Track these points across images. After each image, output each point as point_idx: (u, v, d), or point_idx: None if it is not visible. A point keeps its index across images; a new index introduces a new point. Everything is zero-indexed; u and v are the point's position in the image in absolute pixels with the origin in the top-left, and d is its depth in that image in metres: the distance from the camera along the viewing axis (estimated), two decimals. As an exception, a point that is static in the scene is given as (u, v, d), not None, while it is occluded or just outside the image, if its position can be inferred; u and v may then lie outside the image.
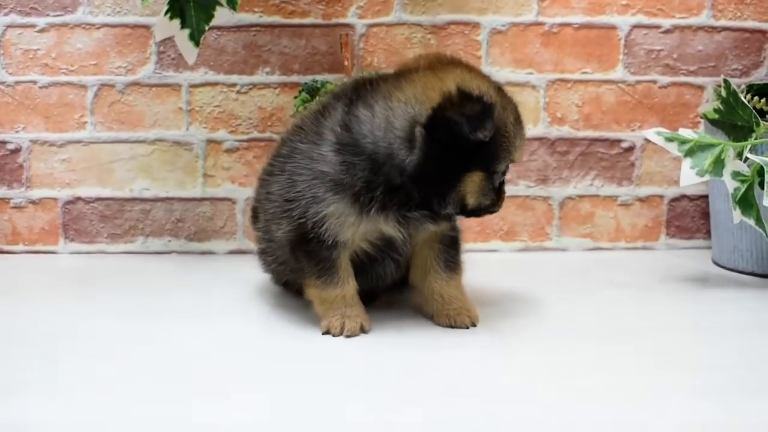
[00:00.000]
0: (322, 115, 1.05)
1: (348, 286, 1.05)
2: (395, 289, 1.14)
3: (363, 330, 1.05)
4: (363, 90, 1.02)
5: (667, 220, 1.56)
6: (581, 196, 1.54)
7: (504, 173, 1.04)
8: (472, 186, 1.00)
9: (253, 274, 1.27)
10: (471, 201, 1.01)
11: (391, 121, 0.98)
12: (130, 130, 1.49)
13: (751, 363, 0.97)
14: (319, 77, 1.43)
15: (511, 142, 1.02)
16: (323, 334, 1.05)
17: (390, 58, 1.49)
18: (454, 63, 1.04)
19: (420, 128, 0.97)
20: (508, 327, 1.09)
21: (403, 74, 1.02)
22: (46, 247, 1.50)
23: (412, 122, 0.98)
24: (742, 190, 1.19)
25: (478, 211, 1.04)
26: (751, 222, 1.20)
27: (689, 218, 1.57)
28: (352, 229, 1.02)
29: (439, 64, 1.03)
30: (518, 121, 1.04)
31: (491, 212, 1.05)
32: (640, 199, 1.56)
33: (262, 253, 1.20)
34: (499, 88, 1.03)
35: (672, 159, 1.52)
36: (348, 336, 1.03)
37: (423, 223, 1.04)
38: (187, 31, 1.28)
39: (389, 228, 1.03)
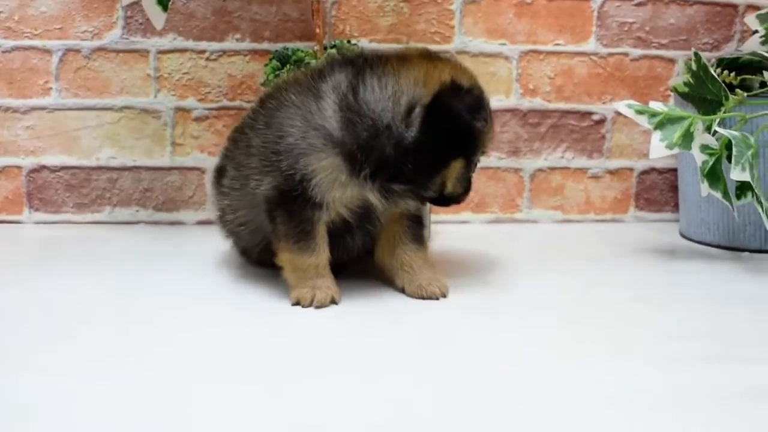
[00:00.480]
0: (319, 77, 1.05)
1: (322, 255, 1.05)
2: (361, 260, 1.14)
3: (333, 301, 1.04)
4: (372, 61, 1.05)
5: (636, 193, 1.57)
6: (552, 168, 1.55)
7: (477, 164, 1.08)
8: (454, 172, 1.04)
9: (222, 244, 1.26)
10: (449, 187, 1.05)
11: (398, 96, 1.02)
12: (96, 97, 1.46)
13: (716, 333, 0.98)
14: (290, 45, 1.40)
15: (487, 134, 1.06)
16: (293, 305, 1.04)
17: (362, 26, 1.48)
18: (444, 58, 1.08)
19: (420, 109, 1.01)
20: (479, 298, 1.09)
21: (404, 57, 1.05)
22: (10, 217, 1.47)
23: (413, 102, 1.01)
24: (710, 163, 1.20)
25: (450, 199, 1.08)
26: (719, 195, 1.21)
27: (658, 191, 1.58)
28: (341, 190, 1.02)
29: (431, 56, 1.07)
30: (491, 114, 1.08)
31: (458, 202, 1.09)
32: (610, 172, 1.56)
33: (222, 215, 1.19)
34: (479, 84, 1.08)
35: (642, 132, 1.53)
36: (318, 307, 1.03)
37: (405, 198, 1.05)
38: (154, -4, 1.25)
39: (373, 197, 1.03)
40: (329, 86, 1.03)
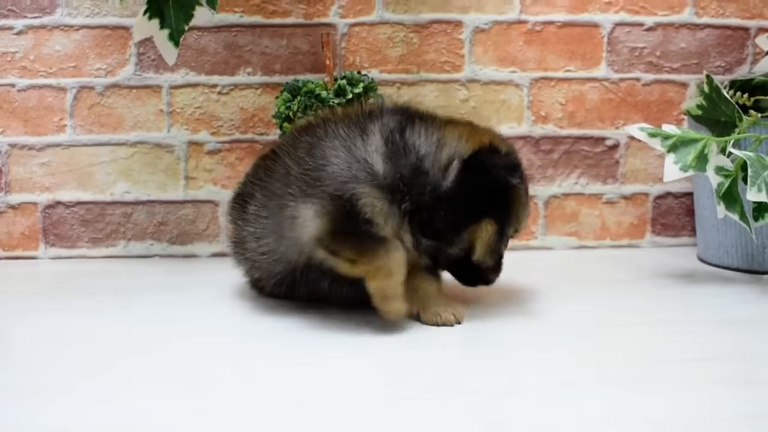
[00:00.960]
0: (369, 117, 1.08)
1: (402, 251, 1.02)
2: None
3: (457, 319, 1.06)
4: (421, 113, 1.10)
5: (653, 218, 1.56)
6: (566, 195, 1.54)
7: (507, 241, 1.10)
8: (485, 235, 1.06)
9: (236, 276, 1.25)
10: (478, 251, 1.07)
11: (441, 145, 1.06)
12: (110, 133, 1.48)
13: (737, 356, 0.96)
14: (301, 77, 1.42)
15: (523, 209, 1.10)
16: (386, 316, 1.03)
17: (372, 57, 1.49)
18: (487, 127, 1.14)
19: (458, 162, 1.04)
20: (494, 326, 1.08)
21: (451, 119, 1.11)
22: (26, 253, 1.48)
23: (453, 154, 1.05)
24: (726, 185, 1.19)
25: (477, 270, 1.08)
26: (736, 217, 1.19)
27: (674, 215, 1.56)
28: (383, 218, 1.02)
29: (474, 124, 1.12)
30: (528, 194, 1.13)
31: (486, 280, 1.10)
32: (625, 197, 1.55)
33: (240, 243, 1.17)
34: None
35: (656, 156, 1.52)
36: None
37: (427, 254, 1.06)
38: (166, 32, 1.27)
39: (407, 239, 1.05)
40: (377, 127, 1.06)
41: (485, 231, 1.06)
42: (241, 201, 1.17)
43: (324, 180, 1.03)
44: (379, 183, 1.02)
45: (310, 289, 1.10)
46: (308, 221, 1.03)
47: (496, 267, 1.10)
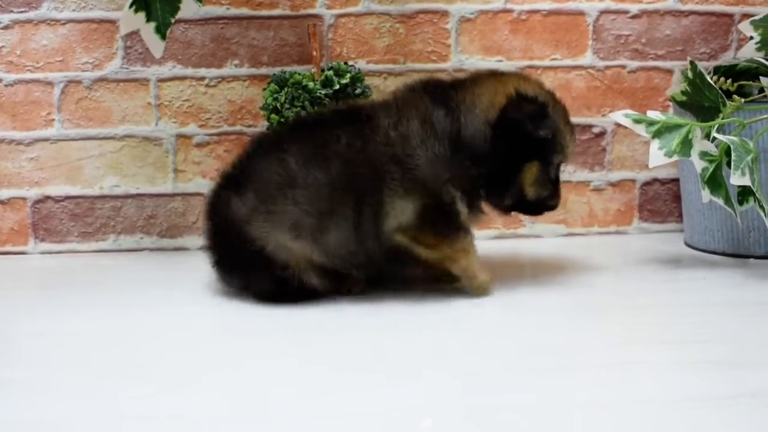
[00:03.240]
0: (432, 108, 1.12)
1: (472, 232, 1.14)
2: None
3: None
4: (460, 96, 1.13)
5: (640, 204, 1.57)
6: (554, 183, 1.54)
7: (558, 166, 1.16)
8: (530, 176, 1.13)
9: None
10: (530, 192, 1.14)
11: (477, 120, 1.11)
12: (98, 127, 1.48)
13: (722, 338, 0.98)
14: (288, 69, 1.42)
15: (563, 136, 1.15)
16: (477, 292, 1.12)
17: (359, 48, 1.49)
18: (511, 72, 1.20)
19: (488, 129, 1.11)
20: (483, 311, 1.09)
21: (476, 81, 1.15)
22: (15, 248, 1.48)
23: (486, 122, 1.11)
24: (711, 169, 1.20)
25: (537, 205, 1.16)
26: (720, 201, 1.20)
27: (661, 202, 1.57)
28: (465, 204, 1.11)
29: (497, 74, 1.18)
30: (567, 120, 1.17)
31: (550, 207, 1.17)
32: (612, 184, 1.56)
33: (268, 219, 1.12)
34: (549, 92, 1.17)
35: (643, 143, 1.53)
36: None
37: (486, 209, 1.17)
38: (152, 25, 1.27)
39: (463, 208, 1.12)
40: (441, 116, 1.11)
41: (530, 172, 1.12)
42: (240, 186, 1.13)
43: (425, 181, 1.08)
44: (459, 178, 1.09)
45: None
46: (399, 213, 1.09)
47: (553, 194, 1.16)
